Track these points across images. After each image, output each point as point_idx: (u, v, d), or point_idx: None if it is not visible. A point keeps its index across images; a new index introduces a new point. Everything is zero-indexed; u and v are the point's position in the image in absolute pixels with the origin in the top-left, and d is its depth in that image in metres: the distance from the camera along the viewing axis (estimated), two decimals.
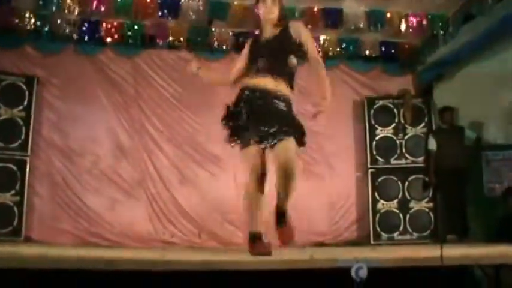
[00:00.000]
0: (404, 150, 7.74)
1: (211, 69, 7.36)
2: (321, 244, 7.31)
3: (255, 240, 3.98)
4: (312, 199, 7.36)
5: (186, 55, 7.74)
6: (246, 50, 4.28)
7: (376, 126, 7.82)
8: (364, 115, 7.88)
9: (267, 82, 3.96)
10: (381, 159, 7.76)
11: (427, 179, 7.58)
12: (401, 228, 7.59)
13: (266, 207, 4.11)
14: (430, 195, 7.62)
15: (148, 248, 6.66)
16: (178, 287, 3.05)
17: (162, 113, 7.69)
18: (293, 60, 4.03)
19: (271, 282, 3.12)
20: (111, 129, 7.57)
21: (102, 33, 7.30)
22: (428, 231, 7.54)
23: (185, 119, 7.71)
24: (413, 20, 7.12)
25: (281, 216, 3.93)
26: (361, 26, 7.07)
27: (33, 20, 6.99)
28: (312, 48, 4.11)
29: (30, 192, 7.07)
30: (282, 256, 3.76)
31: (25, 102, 7.06)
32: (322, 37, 7.69)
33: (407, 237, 7.54)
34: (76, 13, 6.87)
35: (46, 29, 7.10)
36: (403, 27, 7.14)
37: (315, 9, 7.01)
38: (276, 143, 3.85)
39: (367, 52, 7.85)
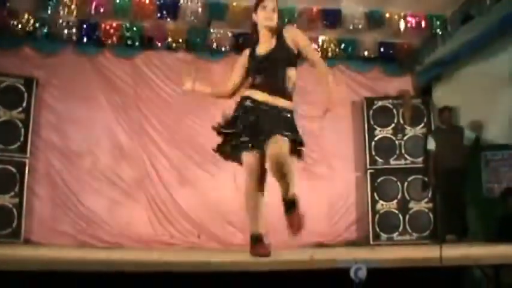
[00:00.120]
0: (403, 151, 7.75)
1: (210, 74, 7.42)
2: (321, 245, 7.31)
3: (256, 242, 3.98)
4: (311, 199, 7.34)
5: (185, 56, 7.76)
6: (242, 62, 4.24)
7: (375, 126, 7.82)
8: (363, 115, 7.88)
9: (266, 97, 3.96)
10: (380, 160, 7.76)
11: (426, 179, 7.59)
12: (400, 228, 7.59)
13: (265, 207, 4.12)
14: (430, 195, 7.62)
15: (147, 249, 6.66)
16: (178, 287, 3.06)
17: (161, 114, 7.69)
18: (291, 74, 4.04)
19: (271, 283, 3.12)
20: (110, 130, 7.57)
21: (101, 35, 7.30)
22: (427, 232, 7.55)
23: (184, 120, 7.71)
24: (412, 21, 7.12)
25: (288, 204, 3.85)
26: (360, 26, 7.07)
27: (32, 22, 7.00)
28: (312, 51, 4.17)
29: (30, 194, 7.07)
30: (281, 257, 3.76)
31: (24, 104, 7.05)
32: (321, 37, 7.70)
33: (407, 237, 7.54)
34: (75, 14, 6.87)
35: (45, 30, 7.11)
36: (402, 27, 7.14)
37: (314, 9, 7.01)
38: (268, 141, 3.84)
39: (366, 52, 7.85)
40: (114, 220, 7.30)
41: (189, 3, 6.85)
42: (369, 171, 7.75)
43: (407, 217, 7.61)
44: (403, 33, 7.27)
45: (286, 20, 6.57)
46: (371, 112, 7.85)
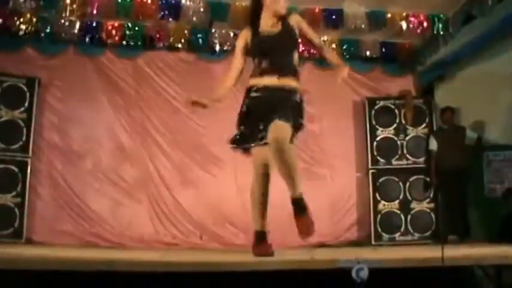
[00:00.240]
0: (405, 151, 7.74)
1: (211, 74, 7.44)
2: (322, 245, 7.30)
3: (260, 240, 3.98)
4: (312, 200, 7.24)
5: (187, 56, 7.77)
6: (243, 43, 4.16)
7: (377, 126, 7.82)
8: (365, 116, 7.88)
9: (275, 81, 3.95)
10: (381, 160, 7.75)
11: (428, 179, 7.59)
12: (402, 228, 7.59)
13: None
14: (431, 195, 7.61)
15: (149, 249, 6.66)
16: None
17: (163, 115, 7.69)
18: (296, 58, 4.10)
19: (273, 283, 3.12)
20: (112, 130, 7.58)
21: (103, 35, 7.31)
22: (429, 232, 7.54)
23: (186, 121, 7.71)
24: (414, 21, 7.11)
25: (297, 204, 3.79)
26: (362, 26, 7.06)
27: (34, 22, 7.01)
28: (314, 35, 4.26)
29: (32, 194, 7.07)
30: (283, 257, 3.76)
31: (26, 104, 7.06)
32: (322, 38, 7.69)
33: (409, 237, 7.53)
34: (77, 15, 6.87)
35: (47, 30, 7.12)
36: (403, 27, 7.13)
37: (316, 9, 7.01)
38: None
39: (367, 53, 7.85)
40: (116, 220, 7.31)
41: (190, 3, 6.85)
42: (370, 171, 7.74)
43: (409, 217, 7.61)
44: (405, 33, 7.26)
45: None
46: (373, 112, 7.84)
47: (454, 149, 7.20)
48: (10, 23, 6.93)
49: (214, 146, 7.60)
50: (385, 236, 7.56)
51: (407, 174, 7.70)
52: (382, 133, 7.81)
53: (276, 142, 3.76)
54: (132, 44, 7.44)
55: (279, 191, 4.06)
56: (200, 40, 7.49)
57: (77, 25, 7.15)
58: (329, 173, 7.90)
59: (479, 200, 7.09)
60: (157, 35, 7.44)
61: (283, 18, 4.11)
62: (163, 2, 6.81)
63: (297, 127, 3.96)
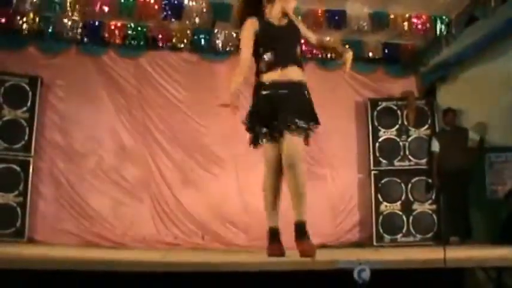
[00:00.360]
0: (407, 152, 7.74)
1: (214, 74, 7.46)
2: (324, 246, 7.29)
3: (274, 238, 3.98)
4: (314, 201, 7.29)
5: (189, 57, 7.78)
6: (251, 32, 4.04)
7: (379, 127, 7.82)
8: (367, 117, 7.88)
9: (283, 74, 3.93)
10: (384, 161, 7.76)
11: (430, 180, 7.58)
12: (404, 230, 7.59)
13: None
14: (433, 197, 7.61)
15: (151, 249, 6.66)
16: None
17: (165, 115, 7.70)
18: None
19: (274, 284, 3.12)
20: (114, 130, 7.59)
21: (106, 35, 7.32)
22: (431, 233, 7.54)
23: (188, 121, 7.72)
24: (416, 22, 7.11)
25: (299, 229, 3.79)
26: (365, 27, 7.06)
27: (36, 21, 7.01)
28: (310, 32, 4.31)
29: (34, 193, 7.08)
30: (284, 257, 3.76)
31: (28, 103, 7.07)
32: (325, 39, 7.68)
33: (411, 239, 7.54)
34: (79, 14, 6.88)
35: (49, 30, 7.13)
36: (406, 29, 7.13)
37: (319, 10, 7.01)
38: (284, 134, 3.84)
39: (370, 54, 7.85)
40: (117, 220, 7.31)
41: (193, 3, 6.86)
42: (372, 172, 7.74)
43: (411, 218, 7.61)
44: (408, 34, 7.27)
45: None
46: (375, 113, 7.84)
47: (456, 150, 7.19)
48: (13, 22, 6.94)
49: (216, 146, 7.62)
50: (387, 237, 7.56)
51: (409, 175, 7.70)
52: (384, 134, 7.81)
53: (289, 158, 3.81)
54: (134, 44, 7.45)
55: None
56: (203, 40, 7.51)
57: (80, 25, 7.15)
58: (331, 173, 7.90)
59: (481, 201, 7.09)
60: (160, 35, 7.46)
61: (287, 14, 4.13)
62: (166, 2, 6.82)
63: (310, 129, 3.96)
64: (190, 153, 7.67)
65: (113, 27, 7.31)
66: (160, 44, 7.55)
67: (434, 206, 7.61)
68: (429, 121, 7.78)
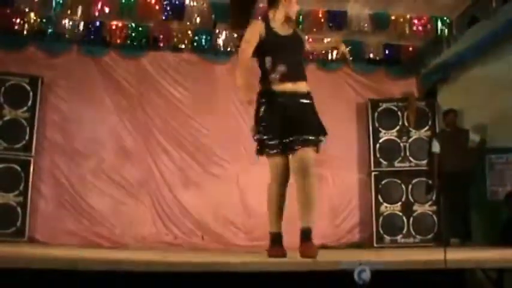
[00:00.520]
0: (408, 153, 7.74)
1: (215, 75, 7.48)
2: (324, 246, 7.29)
3: (275, 242, 3.98)
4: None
5: (190, 57, 7.77)
6: (256, 34, 4.00)
7: (380, 129, 7.82)
8: (367, 117, 7.88)
9: (291, 86, 3.92)
10: (384, 162, 7.75)
11: (430, 182, 7.58)
12: (404, 231, 7.59)
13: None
14: (434, 198, 7.61)
15: (151, 249, 6.66)
16: None
17: (165, 115, 7.70)
18: None
19: (274, 284, 3.12)
20: (115, 130, 7.59)
21: (107, 35, 7.32)
22: (431, 234, 7.54)
23: (189, 121, 7.72)
24: (417, 23, 7.11)
25: (305, 233, 3.80)
26: (365, 28, 7.07)
27: (37, 22, 7.02)
28: (306, 41, 4.32)
29: (34, 193, 7.09)
30: (285, 258, 3.76)
31: (29, 103, 7.07)
32: (326, 39, 7.68)
33: (411, 240, 7.53)
34: (80, 15, 6.88)
35: (50, 30, 7.13)
36: (407, 30, 7.13)
37: (320, 11, 7.02)
38: (297, 149, 3.85)
39: (371, 55, 7.86)
40: (118, 220, 7.32)
41: (194, 4, 6.86)
42: (373, 173, 7.74)
43: (411, 219, 7.61)
44: (408, 35, 7.27)
45: None
46: (376, 114, 7.84)
47: (457, 151, 7.19)
48: (14, 22, 6.95)
49: (216, 146, 7.62)
50: (387, 238, 7.56)
51: (409, 176, 7.69)
52: (384, 135, 7.81)
53: (302, 168, 3.82)
54: (135, 44, 7.45)
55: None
56: (204, 41, 7.50)
57: (81, 25, 7.16)
58: (331, 174, 7.89)
59: (482, 202, 7.08)
60: (161, 36, 7.46)
61: (290, 22, 4.11)
62: (167, 2, 6.82)
63: (321, 141, 4.02)
64: (191, 153, 7.67)
65: (114, 28, 7.31)
66: (161, 45, 7.55)
67: (434, 207, 7.61)
68: (430, 122, 7.77)
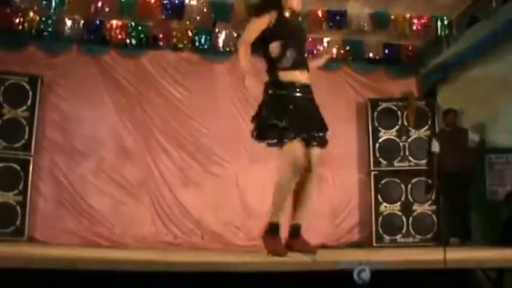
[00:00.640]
0: (407, 153, 7.74)
1: (214, 74, 7.47)
2: (323, 246, 7.29)
3: (275, 232, 3.86)
4: (314, 201, 7.32)
5: (190, 56, 7.77)
6: (266, 23, 3.92)
7: (380, 128, 7.81)
8: (367, 117, 7.88)
9: (305, 78, 3.93)
10: (384, 162, 7.75)
11: (430, 181, 7.58)
12: (404, 230, 7.59)
13: None
14: (433, 197, 7.61)
15: (151, 249, 6.66)
16: None
17: (165, 114, 7.69)
18: None
19: (274, 284, 3.11)
20: (115, 129, 7.58)
21: (106, 34, 7.31)
22: (431, 234, 7.53)
23: (188, 121, 7.72)
24: (417, 23, 7.11)
25: (295, 229, 3.86)
26: (365, 28, 7.07)
27: (37, 21, 7.01)
28: None
29: (34, 192, 7.09)
30: (284, 258, 3.76)
31: (29, 102, 7.07)
32: (326, 39, 7.70)
33: (410, 239, 7.53)
34: (80, 14, 6.88)
35: (50, 29, 7.13)
36: (407, 29, 7.14)
37: (320, 10, 7.01)
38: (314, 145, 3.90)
39: (370, 54, 7.86)
40: (117, 219, 7.31)
41: (194, 3, 6.86)
42: (372, 172, 7.74)
43: (410, 219, 7.60)
44: (408, 35, 7.27)
45: None
46: (375, 114, 7.84)
47: (457, 151, 7.18)
48: (14, 21, 6.94)
49: (216, 146, 7.62)
50: (387, 237, 7.56)
51: (409, 176, 7.69)
52: (384, 135, 7.81)
53: (315, 166, 3.90)
54: (135, 43, 7.45)
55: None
56: (203, 40, 7.50)
57: (81, 24, 7.16)
58: (331, 174, 7.89)
59: (481, 202, 7.08)
60: (161, 35, 7.45)
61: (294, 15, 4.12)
62: (167, 1, 6.83)
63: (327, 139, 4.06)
64: (191, 152, 7.67)
65: (113, 27, 7.30)
66: (161, 44, 7.55)
67: (434, 207, 7.61)
68: (429, 122, 7.77)
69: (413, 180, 7.67)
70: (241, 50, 3.94)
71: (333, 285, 3.09)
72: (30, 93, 7.07)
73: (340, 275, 2.96)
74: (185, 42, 7.48)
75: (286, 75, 3.88)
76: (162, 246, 7.12)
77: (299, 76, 3.90)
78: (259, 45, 4.00)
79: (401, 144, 7.76)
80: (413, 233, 7.56)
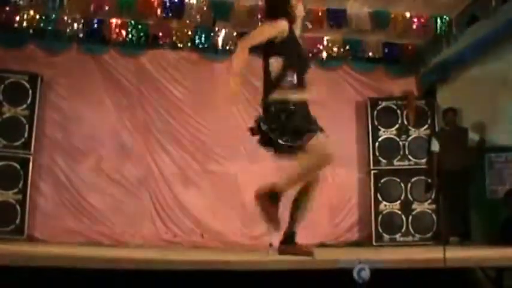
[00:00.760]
0: (407, 152, 7.73)
1: (214, 73, 7.46)
2: (323, 245, 7.30)
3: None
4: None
5: (190, 55, 7.76)
6: (273, 33, 3.82)
7: (379, 127, 7.81)
8: (367, 116, 7.87)
9: (301, 95, 3.89)
10: (383, 161, 7.75)
11: (429, 180, 7.58)
12: (403, 229, 7.58)
13: None
14: (433, 196, 7.60)
15: (150, 247, 6.67)
16: (181, 286, 3.06)
17: (165, 113, 7.69)
18: None
19: (273, 283, 3.12)
20: (114, 128, 7.58)
21: (106, 33, 7.31)
22: (430, 233, 7.53)
23: (188, 120, 7.71)
24: (417, 22, 7.11)
25: (290, 236, 3.86)
26: (365, 27, 7.07)
27: (37, 19, 7.01)
28: None
29: (33, 191, 7.08)
30: (283, 256, 3.76)
31: (29, 101, 7.05)
32: (326, 38, 7.70)
33: (410, 238, 7.53)
34: (80, 12, 6.87)
35: (50, 28, 7.12)
36: (406, 28, 7.13)
37: (320, 9, 7.01)
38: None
39: (370, 53, 7.85)
40: (117, 218, 7.31)
41: (193, 1, 6.86)
42: (372, 171, 7.74)
43: (410, 218, 7.60)
44: (408, 34, 7.26)
45: None
46: (375, 113, 7.83)
47: (456, 150, 7.19)
48: (13, 20, 6.94)
49: (216, 144, 7.61)
50: (386, 236, 7.55)
51: (408, 175, 7.69)
52: (384, 134, 7.80)
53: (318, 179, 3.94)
54: (135, 42, 7.44)
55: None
56: (203, 39, 7.50)
57: (81, 23, 7.16)
58: (330, 173, 7.87)
59: (481, 201, 7.09)
60: (161, 34, 7.45)
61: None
62: (167, 0, 6.82)
63: None
64: (190, 151, 7.66)
65: (113, 26, 7.29)
66: (161, 43, 7.55)
67: (433, 206, 7.60)
68: (429, 121, 7.76)
69: (413, 179, 7.67)
70: (239, 50, 3.89)
71: (333, 283, 3.10)
72: (30, 91, 7.06)
73: (339, 273, 2.97)
74: (185, 41, 7.48)
75: (285, 93, 3.81)
76: (162, 244, 7.12)
77: (296, 95, 3.86)
78: (262, 55, 3.96)
79: (401, 143, 7.76)
80: (412, 232, 7.56)
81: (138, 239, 7.19)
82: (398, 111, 7.82)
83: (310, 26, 6.75)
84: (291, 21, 3.93)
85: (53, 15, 7.05)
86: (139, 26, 7.35)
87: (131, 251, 5.21)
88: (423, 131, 7.76)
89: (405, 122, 7.78)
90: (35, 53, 7.40)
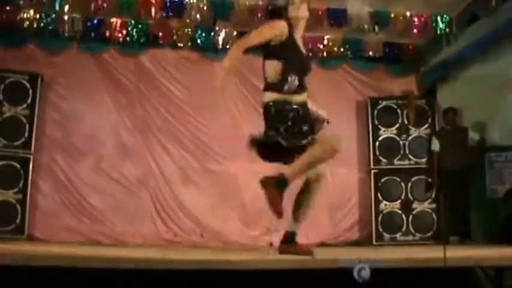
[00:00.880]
0: (407, 151, 7.73)
1: (214, 72, 7.45)
2: (323, 244, 7.30)
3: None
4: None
5: (190, 54, 7.76)
6: (272, 35, 3.82)
7: (380, 126, 7.81)
8: (367, 115, 7.87)
9: (301, 98, 3.91)
10: (383, 160, 7.75)
11: (430, 180, 7.57)
12: (403, 229, 7.58)
13: None
14: (433, 196, 7.60)
15: (150, 246, 6.66)
16: (181, 286, 3.06)
17: (165, 112, 7.69)
18: None
19: (273, 282, 3.12)
20: (114, 127, 7.58)
21: (106, 32, 7.31)
22: (430, 232, 7.53)
23: (188, 119, 7.72)
24: (417, 21, 7.11)
25: (290, 236, 3.88)
26: (365, 26, 7.07)
27: (37, 19, 7.01)
28: None
29: (33, 190, 7.09)
30: (284, 256, 3.76)
31: (29, 100, 7.06)
32: (326, 37, 7.70)
33: (410, 238, 7.53)
34: (80, 12, 6.87)
35: (50, 27, 7.13)
36: (407, 27, 7.13)
37: (320, 9, 7.01)
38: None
39: (370, 52, 7.86)
40: (117, 217, 7.31)
41: (194, 1, 6.87)
42: (372, 171, 7.74)
43: (410, 217, 7.60)
44: (408, 33, 7.26)
45: None
46: (375, 112, 7.83)
47: (456, 149, 7.18)
48: (14, 19, 6.94)
49: (216, 144, 7.61)
50: (386, 236, 7.56)
51: (409, 174, 7.69)
52: (384, 133, 7.80)
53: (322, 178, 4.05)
54: (135, 41, 7.44)
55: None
56: (203, 38, 7.50)
57: (81, 22, 7.16)
58: (330, 172, 7.86)
59: (481, 201, 7.08)
60: (161, 33, 7.45)
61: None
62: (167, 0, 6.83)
63: None
64: (190, 151, 7.67)
65: (113, 25, 7.30)
66: (161, 42, 7.55)
67: (433, 205, 7.60)
68: (429, 120, 7.76)
69: (413, 179, 7.67)
70: (234, 48, 3.85)
71: (333, 283, 3.10)
72: (30, 91, 7.07)
73: (340, 273, 2.97)
74: (185, 40, 7.48)
75: (286, 95, 3.84)
76: (162, 244, 7.13)
77: (297, 98, 3.88)
78: (262, 56, 3.95)
79: (401, 142, 7.76)
80: (413, 231, 7.56)
81: (138, 238, 7.19)
82: (399, 111, 7.82)
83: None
84: (291, 23, 3.93)
85: (53, 15, 7.05)
86: (140, 26, 7.36)
87: (131, 250, 5.20)
88: (423, 130, 7.76)
89: (405, 122, 7.78)
90: (35, 53, 7.41)
